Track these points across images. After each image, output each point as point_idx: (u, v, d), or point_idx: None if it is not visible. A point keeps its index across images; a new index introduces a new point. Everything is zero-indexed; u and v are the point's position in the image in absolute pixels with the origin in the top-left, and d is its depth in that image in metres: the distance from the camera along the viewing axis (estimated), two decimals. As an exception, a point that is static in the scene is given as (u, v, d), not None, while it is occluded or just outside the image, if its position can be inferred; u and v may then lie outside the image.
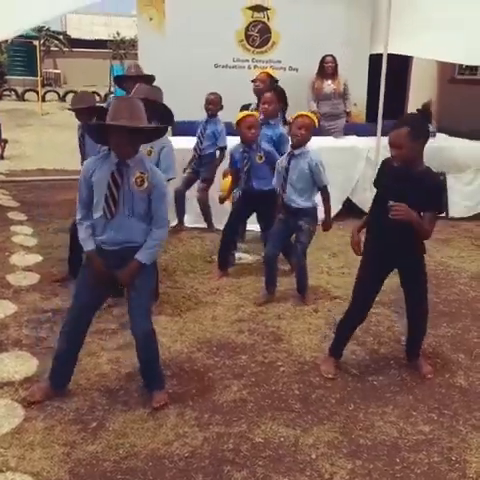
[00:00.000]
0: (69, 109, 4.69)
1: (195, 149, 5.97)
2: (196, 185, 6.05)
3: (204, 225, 6.16)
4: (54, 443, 2.78)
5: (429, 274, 5.05)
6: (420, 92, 9.74)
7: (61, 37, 29.76)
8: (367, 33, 7.86)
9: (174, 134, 6.14)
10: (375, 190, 3.41)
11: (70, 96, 18.38)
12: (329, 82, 7.31)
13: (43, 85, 21.08)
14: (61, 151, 10.24)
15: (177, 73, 6.77)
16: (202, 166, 5.99)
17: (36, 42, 20.97)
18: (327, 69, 7.29)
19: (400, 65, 9.01)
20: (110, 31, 30.23)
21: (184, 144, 5.93)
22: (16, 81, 23.28)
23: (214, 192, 5.86)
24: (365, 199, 6.22)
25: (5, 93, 22.21)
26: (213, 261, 5.15)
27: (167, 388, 3.21)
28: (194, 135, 6.00)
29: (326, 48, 7.33)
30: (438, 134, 7.56)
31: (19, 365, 3.45)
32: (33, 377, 3.32)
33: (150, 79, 4.99)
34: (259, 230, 5.16)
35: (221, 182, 5.33)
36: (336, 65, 7.29)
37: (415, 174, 3.13)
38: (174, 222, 6.20)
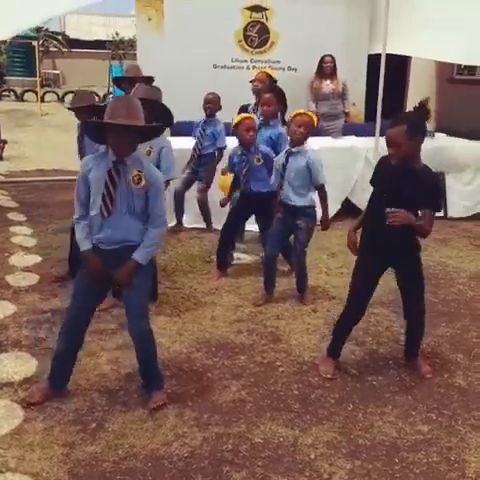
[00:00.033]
0: (69, 108, 4.69)
1: (195, 149, 5.97)
2: (195, 185, 6.06)
3: (203, 225, 6.17)
4: (53, 444, 2.78)
5: (428, 274, 5.09)
6: (418, 92, 9.73)
7: (60, 37, 29.71)
8: (366, 33, 7.87)
9: (173, 134, 6.15)
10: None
11: (69, 96, 18.36)
12: (328, 82, 7.31)
13: (42, 86, 21.06)
14: (60, 152, 10.22)
15: (176, 73, 6.78)
16: (201, 166, 5.99)
17: (35, 42, 20.90)
18: (326, 69, 7.28)
19: (398, 65, 9.01)
20: (109, 31, 30.17)
21: (183, 144, 5.93)
22: (15, 82, 23.24)
23: (214, 192, 5.88)
24: (364, 199, 6.13)
25: (4, 94, 22.17)
26: (212, 261, 5.16)
27: (166, 388, 3.21)
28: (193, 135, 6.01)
29: (325, 48, 7.33)
30: (437, 134, 7.57)
31: (18, 366, 3.45)
32: (32, 378, 3.32)
33: (149, 80, 4.99)
34: (258, 230, 5.17)
35: (220, 179, 5.33)
36: (335, 65, 7.29)
37: (412, 171, 3.14)
38: (173, 222, 6.21)
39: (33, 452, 2.72)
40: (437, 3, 6.76)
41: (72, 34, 31.27)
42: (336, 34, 7.67)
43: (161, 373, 3.21)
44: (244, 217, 5.12)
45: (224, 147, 5.86)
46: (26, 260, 5.20)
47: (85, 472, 2.62)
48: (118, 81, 5.52)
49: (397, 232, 3.11)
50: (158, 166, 4.12)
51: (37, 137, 13.09)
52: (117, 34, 29.34)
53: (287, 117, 4.84)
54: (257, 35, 7.68)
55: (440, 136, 7.58)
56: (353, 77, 7.63)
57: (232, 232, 5.02)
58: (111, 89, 20.65)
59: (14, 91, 21.98)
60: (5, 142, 10.33)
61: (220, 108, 5.92)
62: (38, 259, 5.23)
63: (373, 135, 6.63)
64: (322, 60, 7.29)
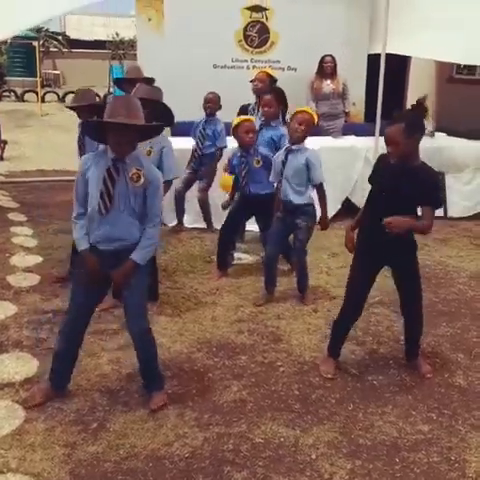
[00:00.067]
0: (70, 108, 4.68)
1: (195, 149, 5.98)
2: (196, 185, 6.07)
3: (203, 225, 6.17)
4: (55, 444, 2.79)
5: (428, 274, 5.12)
6: (418, 92, 9.71)
7: (60, 38, 29.72)
8: (366, 33, 7.87)
9: (173, 134, 6.15)
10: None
11: (69, 97, 18.36)
12: (328, 82, 7.32)
13: (42, 86, 21.05)
14: (61, 152, 10.23)
15: (176, 73, 6.77)
16: (202, 166, 6.00)
17: (35, 43, 20.92)
18: (326, 69, 7.29)
19: (398, 65, 9.01)
20: (109, 32, 30.17)
21: (183, 144, 5.94)
22: (15, 82, 23.22)
23: (215, 193, 5.88)
24: (364, 199, 6.21)
25: (5, 94, 22.17)
26: (212, 261, 5.16)
27: (167, 389, 3.22)
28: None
29: (325, 48, 7.33)
30: (437, 134, 7.57)
31: (19, 366, 3.45)
32: (33, 378, 3.32)
33: (150, 82, 4.99)
34: (258, 231, 5.17)
35: (221, 178, 5.33)
36: (335, 65, 7.30)
37: (410, 169, 3.14)
38: (174, 222, 6.22)
39: (34, 452, 2.72)
40: (437, 3, 6.76)
41: (72, 34, 31.26)
42: (336, 34, 7.67)
43: (162, 373, 3.21)
44: (243, 218, 5.13)
45: (224, 146, 5.87)
46: (27, 260, 5.20)
47: (86, 472, 2.62)
48: (119, 83, 5.53)
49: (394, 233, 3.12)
50: (159, 166, 4.13)
51: (37, 137, 13.09)
52: (117, 34, 29.35)
53: (288, 117, 4.85)
54: (257, 35, 7.68)
55: (440, 136, 7.58)
56: (353, 77, 7.62)
57: (231, 233, 5.02)
58: (111, 89, 20.64)
59: (14, 91, 21.97)
60: (5, 142, 10.34)
61: (220, 107, 5.92)
62: (39, 259, 5.24)
63: (373, 135, 6.63)
64: (322, 60, 7.29)
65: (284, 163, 4.35)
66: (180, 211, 6.16)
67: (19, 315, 4.12)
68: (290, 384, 3.38)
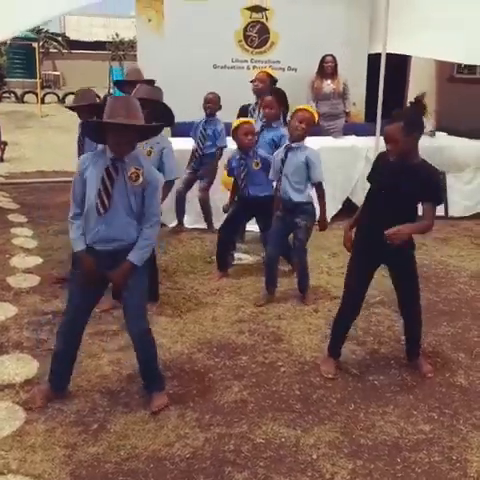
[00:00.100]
0: (70, 108, 4.68)
1: (196, 149, 5.97)
2: (196, 185, 6.06)
3: (204, 226, 6.17)
4: (55, 445, 2.78)
5: (429, 273, 5.12)
6: (419, 91, 9.71)
7: (60, 39, 29.78)
8: (366, 33, 7.86)
9: (173, 135, 6.15)
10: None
11: (69, 98, 18.40)
12: (328, 82, 7.31)
13: (42, 87, 21.09)
14: (61, 153, 10.24)
15: (176, 74, 6.78)
16: (202, 165, 5.99)
17: (35, 44, 20.96)
18: (327, 69, 7.28)
19: (399, 64, 9.00)
20: (109, 32, 30.23)
21: (184, 145, 5.94)
22: (15, 83, 23.26)
23: (216, 194, 5.88)
24: (365, 199, 6.23)
25: (4, 95, 22.21)
26: (213, 262, 5.15)
27: (168, 389, 3.21)
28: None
29: (325, 48, 7.32)
30: (437, 133, 7.56)
31: (20, 367, 3.45)
32: (34, 379, 3.32)
33: (150, 84, 4.98)
34: (258, 231, 5.17)
35: (223, 175, 5.32)
36: (336, 65, 7.28)
37: (410, 167, 3.14)
38: (174, 223, 6.22)
39: (35, 454, 2.72)
40: (437, 3, 6.76)
41: (72, 35, 31.31)
42: (336, 34, 7.66)
43: (162, 374, 3.21)
44: (242, 220, 5.14)
45: (224, 146, 5.87)
46: (27, 262, 5.20)
47: (87, 473, 2.62)
48: (119, 85, 5.52)
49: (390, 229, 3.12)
50: (160, 167, 4.14)
51: (37, 138, 13.11)
52: (117, 35, 29.40)
53: (288, 118, 4.85)
54: (257, 35, 7.68)
55: (440, 135, 7.57)
56: (353, 77, 7.62)
57: (230, 234, 5.01)
58: (111, 90, 20.66)
59: (14, 93, 22.01)
60: (5, 144, 10.36)
61: (220, 108, 5.92)
62: (39, 261, 5.24)
63: (374, 135, 6.63)
64: (323, 60, 7.29)
65: (283, 161, 4.34)
66: (180, 211, 6.15)
67: (19, 316, 4.12)
68: (291, 384, 3.37)
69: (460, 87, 9.94)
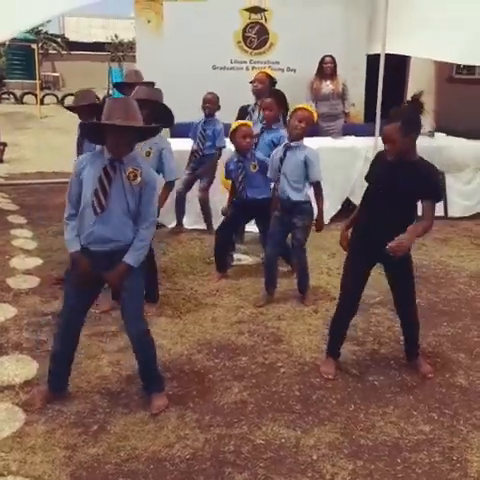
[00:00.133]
0: (70, 108, 4.67)
1: (196, 150, 5.97)
2: (197, 185, 6.06)
3: (203, 226, 6.16)
4: (55, 446, 2.78)
5: (428, 273, 5.12)
6: (416, 90, 9.75)
7: (59, 40, 29.79)
8: (365, 33, 7.86)
9: (173, 136, 6.15)
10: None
11: (69, 99, 18.39)
12: (328, 83, 7.31)
13: (42, 88, 21.10)
14: (60, 154, 10.23)
15: (175, 75, 6.77)
16: (201, 165, 5.99)
17: (34, 45, 20.97)
18: (326, 69, 7.28)
19: (398, 65, 9.01)
20: (108, 33, 30.24)
21: (183, 145, 5.94)
22: (15, 84, 23.26)
23: (215, 197, 5.88)
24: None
25: (4, 96, 22.22)
26: (212, 263, 5.15)
27: (167, 390, 3.21)
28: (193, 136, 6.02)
29: (324, 49, 7.32)
30: (436, 133, 7.56)
31: (19, 368, 3.45)
32: (33, 380, 3.32)
33: (149, 86, 4.98)
34: (258, 231, 5.17)
35: (223, 176, 5.31)
36: (335, 66, 7.29)
37: (408, 165, 3.14)
38: (173, 223, 6.21)
39: (35, 455, 2.72)
40: (436, 3, 6.76)
41: (71, 36, 31.33)
42: (335, 35, 7.66)
43: (161, 375, 3.21)
44: (240, 222, 5.14)
45: (223, 146, 5.86)
46: (27, 263, 5.20)
47: (87, 474, 2.61)
48: (119, 87, 5.52)
49: (391, 229, 3.12)
50: (159, 168, 4.14)
51: (37, 139, 13.10)
52: (116, 36, 29.41)
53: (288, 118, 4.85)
54: (256, 36, 7.68)
55: (439, 136, 7.57)
56: (352, 77, 7.62)
57: (227, 235, 5.00)
58: (111, 91, 20.67)
59: (14, 94, 22.02)
60: (5, 145, 10.35)
61: (219, 108, 5.92)
62: (39, 262, 5.23)
63: (373, 135, 6.63)
64: (322, 60, 7.29)
65: (282, 160, 4.35)
66: (180, 212, 6.15)
67: (19, 317, 4.12)
68: (291, 385, 3.37)
69: (459, 87, 9.96)
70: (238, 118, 5.82)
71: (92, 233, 2.92)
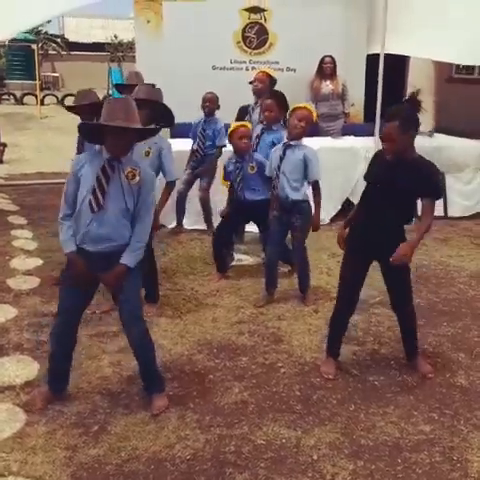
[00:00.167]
0: (70, 107, 4.67)
1: (197, 150, 5.97)
2: (197, 185, 6.06)
3: (203, 227, 6.16)
4: (56, 447, 2.78)
5: (428, 273, 5.12)
6: (414, 89, 9.75)
7: (59, 40, 29.80)
8: (364, 33, 7.86)
9: (173, 136, 6.15)
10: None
11: (68, 99, 18.39)
12: (327, 83, 7.31)
13: (42, 89, 21.08)
14: (60, 154, 10.22)
15: (175, 75, 6.78)
16: (202, 165, 5.99)
17: (34, 46, 20.97)
18: (326, 70, 7.28)
19: (397, 65, 9.01)
20: (108, 34, 30.25)
21: (183, 146, 5.94)
22: (15, 85, 23.24)
23: (216, 197, 5.87)
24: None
25: (4, 97, 22.22)
26: (212, 263, 5.15)
27: (168, 391, 3.21)
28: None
29: (323, 49, 7.33)
30: (436, 133, 7.56)
31: (20, 369, 3.45)
32: (34, 381, 3.32)
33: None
34: (258, 231, 5.17)
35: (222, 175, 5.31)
36: (335, 66, 7.29)
37: (406, 163, 3.14)
38: (173, 224, 6.21)
39: (35, 455, 2.72)
40: (435, 3, 6.76)
41: (71, 37, 31.32)
42: (334, 35, 7.65)
43: (162, 375, 3.21)
44: (238, 223, 5.14)
45: (224, 145, 5.86)
46: (27, 263, 5.20)
47: (88, 475, 2.62)
48: (120, 88, 5.52)
49: (389, 227, 3.11)
50: (159, 167, 4.14)
51: (37, 140, 13.10)
52: (116, 36, 29.41)
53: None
54: (256, 36, 7.68)
55: (439, 136, 7.57)
56: (352, 78, 7.62)
57: (225, 236, 4.99)
58: (111, 91, 20.66)
59: (14, 94, 22.02)
60: (5, 145, 10.36)
61: (218, 107, 5.92)
62: (39, 262, 5.24)
63: (372, 135, 6.63)
64: (322, 61, 7.29)
65: (282, 158, 4.35)
66: (180, 212, 6.15)
67: (19, 318, 4.12)
68: (291, 385, 3.37)
69: (458, 87, 9.96)
70: (238, 118, 5.83)
71: (88, 232, 2.90)
